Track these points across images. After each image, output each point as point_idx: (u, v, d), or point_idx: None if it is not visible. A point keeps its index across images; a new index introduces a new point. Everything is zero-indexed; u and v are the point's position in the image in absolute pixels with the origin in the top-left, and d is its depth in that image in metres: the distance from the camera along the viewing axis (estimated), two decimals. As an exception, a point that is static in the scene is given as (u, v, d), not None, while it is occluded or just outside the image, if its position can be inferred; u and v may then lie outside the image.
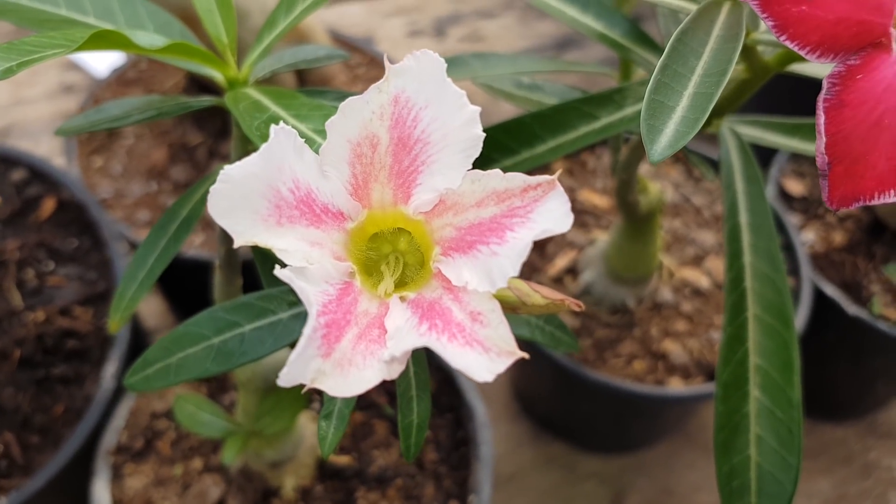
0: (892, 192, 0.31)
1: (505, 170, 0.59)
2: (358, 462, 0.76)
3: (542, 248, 0.97)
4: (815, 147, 0.31)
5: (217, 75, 0.50)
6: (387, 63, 0.29)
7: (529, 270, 0.95)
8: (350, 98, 0.29)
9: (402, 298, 0.30)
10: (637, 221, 0.81)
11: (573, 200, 1.03)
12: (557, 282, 0.94)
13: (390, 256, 0.33)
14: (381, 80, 0.29)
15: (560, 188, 0.29)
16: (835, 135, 0.31)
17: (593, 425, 1.02)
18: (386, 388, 0.84)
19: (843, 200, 0.32)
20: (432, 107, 0.29)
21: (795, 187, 1.03)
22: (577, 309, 0.39)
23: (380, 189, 0.30)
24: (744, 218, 0.53)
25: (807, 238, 0.97)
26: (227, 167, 0.27)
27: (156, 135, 1.00)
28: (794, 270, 0.92)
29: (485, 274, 0.28)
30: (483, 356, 0.26)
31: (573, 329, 0.90)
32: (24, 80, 1.51)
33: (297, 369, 0.25)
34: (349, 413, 0.39)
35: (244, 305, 0.44)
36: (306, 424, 0.73)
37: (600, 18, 0.60)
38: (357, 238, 0.32)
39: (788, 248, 0.94)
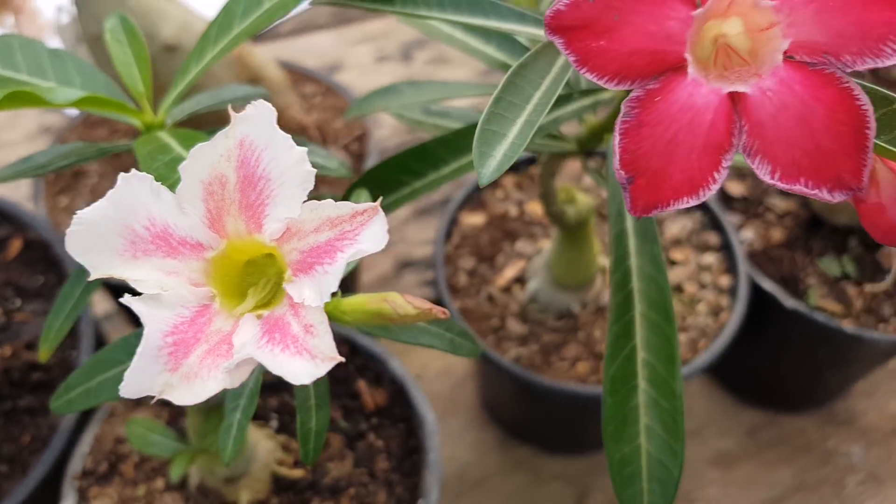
0: (685, 198, 0.35)
1: (416, 191, 0.64)
2: (312, 474, 0.80)
3: (491, 260, 1.01)
4: (612, 164, 0.35)
5: (135, 122, 0.55)
6: (231, 112, 0.34)
7: (480, 281, 0.99)
8: (199, 144, 0.34)
9: (259, 316, 0.34)
10: (570, 230, 0.85)
11: (521, 213, 1.07)
12: (506, 291, 0.98)
13: (261, 281, 0.38)
14: (228, 127, 0.34)
15: (381, 213, 0.33)
16: (634, 152, 0.35)
17: (552, 428, 1.06)
18: (341, 403, 0.88)
19: (645, 209, 0.36)
20: (270, 148, 0.33)
21: (736, 188, 1.07)
22: (442, 316, 0.43)
23: (233, 221, 0.35)
24: (629, 223, 0.57)
25: (746, 236, 1.01)
26: (80, 211, 0.31)
27: (119, 172, 1.05)
28: (733, 268, 0.96)
29: (318, 291, 0.32)
30: (310, 363, 0.31)
31: (521, 336, 0.94)
32: (4, 123, 1.57)
33: (139, 383, 0.30)
34: (247, 424, 0.44)
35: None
36: (258, 440, 0.77)
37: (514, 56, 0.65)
38: (225, 265, 0.37)
39: (727, 247, 0.98)
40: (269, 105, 0.33)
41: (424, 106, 0.71)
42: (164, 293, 0.32)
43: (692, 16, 0.34)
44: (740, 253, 0.95)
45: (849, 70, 0.33)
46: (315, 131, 1.12)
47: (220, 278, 0.36)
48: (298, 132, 1.07)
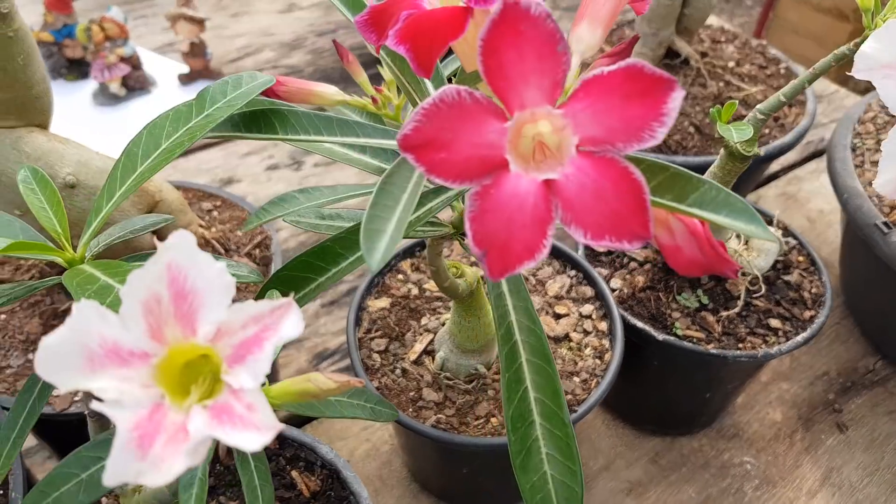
0: (526, 262, 0.46)
1: (320, 285, 0.72)
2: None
3: (401, 338, 1.10)
4: (469, 244, 0.45)
5: (57, 259, 0.61)
6: (157, 243, 0.42)
7: (393, 359, 1.07)
8: (134, 272, 0.41)
9: (205, 406, 0.42)
10: (464, 300, 0.95)
11: (422, 291, 1.17)
12: (417, 363, 1.07)
13: (200, 377, 0.45)
14: (156, 254, 0.42)
15: (296, 305, 0.41)
16: (482, 232, 0.46)
17: (477, 486, 1.13)
18: (278, 495, 0.92)
19: (501, 274, 0.46)
20: (194, 268, 0.41)
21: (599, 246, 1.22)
22: (359, 385, 0.51)
23: (171, 330, 0.42)
24: (504, 286, 0.68)
25: (615, 285, 1.15)
26: (44, 338, 0.38)
27: (26, 308, 1.07)
28: (608, 314, 1.09)
29: (253, 375, 0.40)
30: (256, 433, 0.38)
31: (436, 402, 1.02)
32: None
33: (118, 473, 0.36)
34: (206, 480, 0.49)
35: (103, 442, 0.53)
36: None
37: (388, 161, 0.75)
38: (168, 368, 0.44)
39: (601, 297, 1.11)
40: (188, 233, 0.42)
41: (317, 210, 0.80)
42: (124, 397, 0.39)
43: (505, 127, 0.46)
44: (612, 300, 1.09)
45: (623, 153, 0.45)
46: (217, 244, 1.19)
47: (167, 379, 0.43)
48: (202, 247, 1.13)
